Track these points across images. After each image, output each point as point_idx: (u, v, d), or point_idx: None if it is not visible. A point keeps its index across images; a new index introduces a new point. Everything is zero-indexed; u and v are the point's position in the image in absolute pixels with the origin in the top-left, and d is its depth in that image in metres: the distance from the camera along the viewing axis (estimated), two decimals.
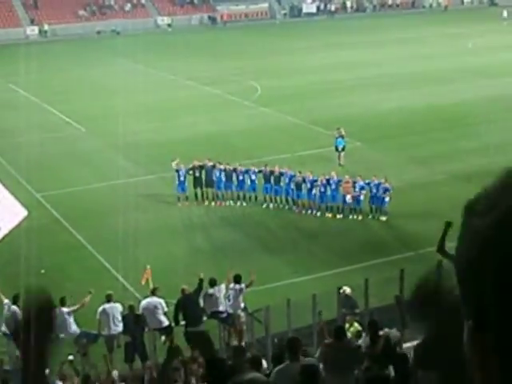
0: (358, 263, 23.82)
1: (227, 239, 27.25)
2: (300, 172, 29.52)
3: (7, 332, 19.57)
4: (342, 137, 33.97)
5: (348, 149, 34.14)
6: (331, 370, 10.91)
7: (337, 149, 33.92)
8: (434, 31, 75.69)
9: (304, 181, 29.07)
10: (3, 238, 27.08)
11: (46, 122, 43.10)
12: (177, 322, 19.53)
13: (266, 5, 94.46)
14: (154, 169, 33.39)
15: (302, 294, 19.45)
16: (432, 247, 19.81)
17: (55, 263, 23.66)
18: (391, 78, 51.68)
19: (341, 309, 19.38)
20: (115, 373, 17.14)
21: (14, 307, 19.67)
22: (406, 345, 13.30)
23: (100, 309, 19.15)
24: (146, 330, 19.38)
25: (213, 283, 20.11)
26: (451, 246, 12.05)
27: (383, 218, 28.12)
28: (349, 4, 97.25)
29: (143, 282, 20.84)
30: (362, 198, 28.45)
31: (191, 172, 30.30)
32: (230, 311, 20.04)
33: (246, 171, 29.99)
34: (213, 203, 30.29)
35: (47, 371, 3.19)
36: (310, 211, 29.20)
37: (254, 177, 29.98)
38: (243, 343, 18.90)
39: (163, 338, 19.53)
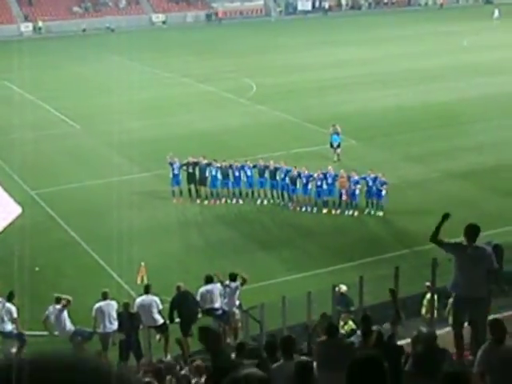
0: (353, 261, 23.83)
1: (222, 237, 27.22)
2: (295, 167, 29.53)
3: (2, 329, 19.58)
4: (338, 133, 34.06)
5: (343, 147, 34.22)
6: (324, 366, 10.94)
7: (332, 145, 34.08)
8: (430, 29, 75.72)
9: (299, 176, 29.07)
10: None
11: (40, 119, 43.04)
12: (171, 320, 19.57)
13: (261, 2, 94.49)
14: (149, 166, 33.45)
15: (296, 292, 19.50)
16: (427, 245, 20.02)
17: (50, 261, 23.67)
18: (386, 76, 51.71)
19: (336, 306, 19.43)
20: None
21: (9, 305, 19.66)
22: (399, 342, 13.34)
23: (95, 306, 19.15)
24: (141, 327, 19.43)
25: (209, 280, 20.15)
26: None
27: (380, 214, 28.16)
28: (344, 1, 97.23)
29: (139, 281, 20.87)
30: (357, 192, 28.48)
31: (185, 168, 30.37)
32: (226, 309, 20.09)
33: (242, 167, 30.02)
34: (206, 202, 30.30)
35: None
36: (305, 208, 29.22)
37: (249, 172, 30.03)
38: (238, 340, 19.01)
39: (158, 335, 19.59)
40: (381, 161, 32.30)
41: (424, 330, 15.39)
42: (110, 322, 19.22)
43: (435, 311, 18.42)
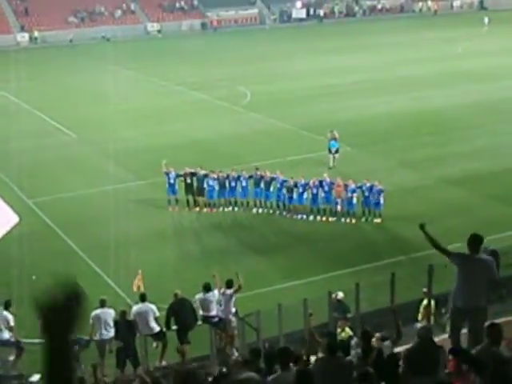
0: (349, 267, 23.76)
1: (218, 244, 27.22)
2: (292, 178, 29.51)
3: (7, 338, 19.56)
4: (336, 139, 34.21)
5: (340, 155, 34.28)
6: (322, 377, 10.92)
7: (330, 151, 34.14)
8: (424, 35, 75.96)
9: (296, 185, 29.11)
10: None
11: (36, 129, 43.05)
12: (168, 327, 19.55)
13: (255, 10, 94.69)
14: (145, 175, 33.44)
15: (293, 299, 19.49)
16: (423, 251, 20.03)
17: (47, 269, 23.55)
18: (381, 83, 51.76)
19: (332, 313, 19.41)
20: (106, 379, 17.12)
21: (6, 313, 19.65)
22: (397, 349, 13.33)
23: (93, 314, 19.10)
24: (138, 335, 19.41)
25: (207, 288, 20.14)
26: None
27: (378, 220, 28.12)
28: (338, 9, 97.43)
29: (135, 289, 20.81)
30: (354, 201, 28.50)
31: (182, 178, 30.37)
32: (222, 316, 20.07)
33: (238, 177, 30.02)
34: (205, 209, 30.28)
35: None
36: (300, 216, 29.17)
37: (244, 183, 30.02)
38: (234, 348, 18.97)
39: (155, 343, 19.56)
40: (376, 167, 32.39)
41: (419, 325, 15.47)
42: (107, 330, 19.20)
43: (432, 317, 18.44)
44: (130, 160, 35.84)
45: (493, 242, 17.88)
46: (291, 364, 10.81)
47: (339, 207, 28.67)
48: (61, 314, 2.68)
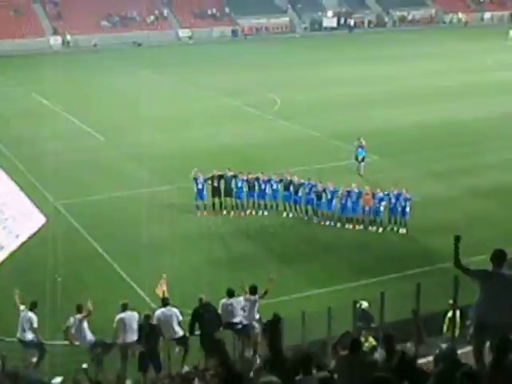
0: (375, 277, 23.54)
1: (244, 250, 27.14)
2: (321, 182, 29.55)
3: (22, 338, 19.52)
4: (362, 147, 34.33)
5: (367, 162, 34.21)
6: (345, 382, 10.82)
7: (357, 158, 34.30)
8: (454, 47, 75.89)
9: (324, 191, 29.19)
10: (21, 245, 27.16)
11: (66, 131, 43.30)
12: (192, 332, 19.46)
13: (286, 18, 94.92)
14: (173, 179, 33.40)
15: (317, 307, 19.30)
16: (449, 262, 19.70)
17: (72, 271, 23.61)
18: (409, 93, 51.74)
19: (357, 323, 19.25)
20: (128, 382, 17.06)
21: (30, 314, 19.63)
22: (420, 360, 13.17)
23: (118, 317, 19.06)
24: (161, 339, 19.34)
25: (231, 294, 20.05)
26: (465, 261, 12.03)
27: (403, 231, 27.97)
28: (369, 19, 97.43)
29: (159, 293, 20.74)
30: (382, 209, 28.43)
31: (210, 182, 30.43)
32: (245, 322, 19.95)
33: (268, 180, 30.17)
34: (232, 213, 30.32)
35: None
36: (329, 222, 29.17)
37: (275, 186, 30.16)
38: (257, 354, 18.86)
39: (177, 348, 19.47)
40: (404, 177, 32.10)
41: (444, 346, 15.20)
42: (131, 333, 19.14)
43: (457, 329, 18.24)
44: (157, 164, 35.89)
45: None
46: (314, 371, 10.71)
47: (367, 212, 28.71)
48: None
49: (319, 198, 29.42)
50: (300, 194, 29.75)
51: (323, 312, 18.49)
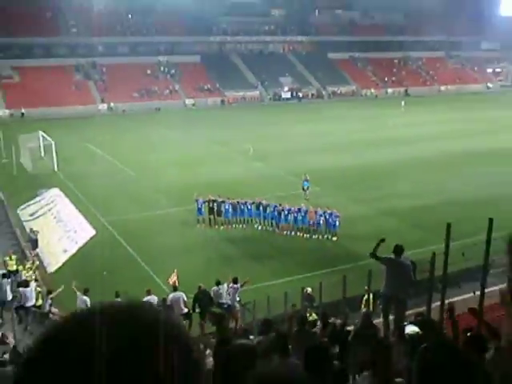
0: (316, 271, 23.68)
1: (229, 252, 27.23)
2: (280, 204, 29.81)
3: None
4: (307, 180, 34.56)
5: (311, 191, 34.36)
6: (297, 348, 10.86)
7: (303, 188, 34.42)
8: (368, 112, 76.42)
9: (283, 210, 29.32)
10: (78, 249, 27.05)
11: (109, 169, 43.13)
12: (194, 310, 19.50)
13: (257, 92, 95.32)
14: (182, 203, 33.30)
15: (277, 292, 19.36)
16: (365, 260, 19.84)
17: (113, 270, 23.50)
18: (340, 143, 51.93)
19: (304, 303, 19.30)
20: None
21: (85, 297, 19.54)
22: (348, 327, 13.19)
23: (144, 299, 19.07)
24: None
25: (218, 283, 20.14)
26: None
27: (334, 239, 28.15)
28: (312, 92, 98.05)
29: (171, 282, 20.76)
30: (321, 222, 28.61)
31: (206, 203, 30.49)
32: (230, 303, 20.00)
33: (245, 203, 30.32)
34: (222, 227, 30.21)
35: None
36: (285, 232, 29.23)
37: (250, 207, 30.29)
38: (238, 325, 18.88)
39: (184, 322, 19.47)
40: (335, 201, 32.16)
41: (364, 311, 15.34)
42: None
43: (371, 307, 18.33)
44: (171, 192, 35.88)
45: (412, 255, 17.77)
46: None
47: (312, 224, 28.79)
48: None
49: (279, 214, 29.57)
50: (267, 212, 29.88)
51: (281, 295, 18.56)
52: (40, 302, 20.63)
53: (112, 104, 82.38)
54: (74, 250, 26.95)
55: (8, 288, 20.97)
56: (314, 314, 17.89)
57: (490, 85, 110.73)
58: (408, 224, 29.33)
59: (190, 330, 19.23)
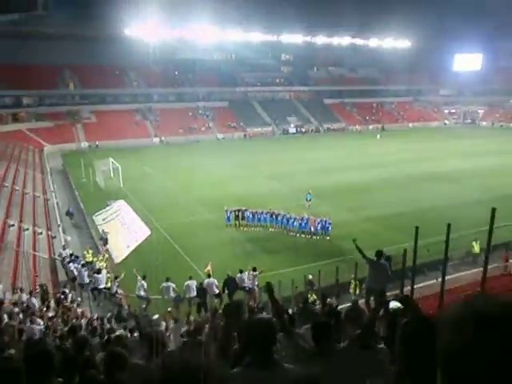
0: (315, 262, 23.43)
1: (250, 248, 27.08)
2: (288, 213, 29.59)
3: (139, 294, 19.32)
4: (310, 194, 34.32)
5: (312, 203, 34.12)
6: (301, 321, 10.70)
7: (307, 200, 34.13)
8: (353, 142, 76.01)
9: (290, 217, 29.15)
10: (138, 245, 27.12)
11: (160, 185, 43.38)
12: (223, 291, 19.39)
13: (270, 128, 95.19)
14: (215, 211, 33.32)
15: (286, 279, 19.23)
16: (352, 255, 19.61)
17: (164, 260, 23.52)
18: (332, 166, 51.64)
19: (306, 287, 19.11)
20: (191, 317, 16.95)
21: (143, 281, 19.51)
22: (340, 306, 13.01)
23: (185, 284, 19.03)
24: (208, 296, 19.21)
25: (241, 271, 20.02)
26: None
27: (328, 238, 27.88)
28: (312, 128, 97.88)
29: (206, 271, 20.69)
30: (319, 227, 28.36)
31: (233, 212, 30.44)
32: (250, 287, 19.85)
33: (261, 212, 30.11)
34: (245, 229, 30.09)
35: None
36: (292, 234, 29.01)
37: (265, 215, 30.07)
38: (257, 304, 18.78)
39: (216, 300, 19.35)
40: (330, 211, 32.01)
41: (353, 299, 15.08)
42: (192, 292, 19.02)
43: (357, 291, 18.08)
44: (207, 203, 35.91)
45: (389, 251, 17.57)
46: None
47: (312, 229, 28.50)
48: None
49: (287, 221, 29.37)
50: (278, 219, 29.68)
51: (289, 281, 18.40)
52: (109, 284, 20.72)
53: (163, 138, 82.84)
54: (134, 246, 27.05)
55: (85, 274, 21.12)
56: (314, 295, 17.70)
57: (446, 122, 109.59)
58: (383, 227, 29.00)
59: (220, 306, 19.15)
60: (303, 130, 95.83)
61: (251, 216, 30.18)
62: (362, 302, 12.91)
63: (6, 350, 8.05)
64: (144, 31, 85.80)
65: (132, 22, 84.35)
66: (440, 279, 10.54)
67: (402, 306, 7.60)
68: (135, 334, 11.97)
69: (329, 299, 14.40)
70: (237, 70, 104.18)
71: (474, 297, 0.92)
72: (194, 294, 18.82)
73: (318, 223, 28.34)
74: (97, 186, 43.10)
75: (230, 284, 19.24)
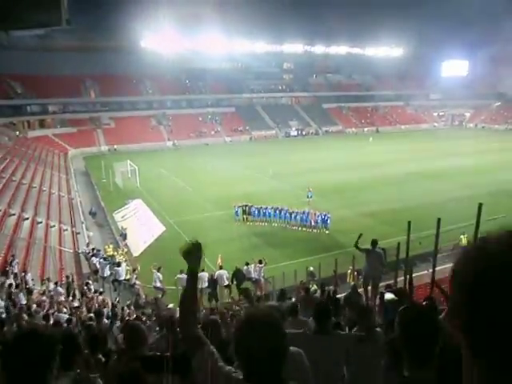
0: (316, 255, 23.35)
1: (256, 241, 27.07)
2: (290, 207, 29.60)
3: (155, 285, 19.36)
4: (310, 191, 34.19)
5: (312, 200, 34.00)
6: (303, 308, 10.71)
7: (307, 197, 33.93)
8: (350, 144, 75.59)
9: (292, 212, 29.12)
10: (153, 240, 27.18)
11: (173, 185, 43.42)
12: (232, 282, 19.39)
13: (274, 131, 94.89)
14: (223, 208, 33.32)
15: (289, 270, 19.21)
16: (349, 248, 19.56)
17: (177, 254, 23.49)
18: (331, 166, 51.31)
19: (308, 278, 19.08)
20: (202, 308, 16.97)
21: (158, 273, 19.54)
22: (339, 295, 12.98)
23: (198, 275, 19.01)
24: (218, 286, 19.22)
25: (247, 264, 20.02)
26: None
27: (327, 232, 27.82)
28: (312, 131, 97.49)
29: (218, 263, 20.68)
30: (319, 220, 28.30)
31: (241, 208, 30.47)
32: (256, 277, 19.85)
33: (266, 207, 30.09)
34: (251, 223, 30.06)
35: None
36: (295, 227, 28.94)
37: (270, 210, 30.02)
38: (263, 293, 18.73)
39: (226, 290, 19.38)
40: (330, 206, 31.89)
41: (352, 283, 14.97)
42: (204, 283, 19.02)
43: (355, 280, 18.03)
44: (217, 200, 35.93)
45: (383, 244, 17.51)
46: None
47: (313, 223, 28.42)
48: (191, 253, 2.52)
49: (290, 215, 29.34)
50: (282, 214, 29.63)
51: (292, 272, 18.39)
52: (128, 276, 20.81)
53: (175, 141, 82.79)
54: (150, 241, 27.12)
55: (107, 267, 21.22)
56: (314, 286, 17.68)
57: (435, 124, 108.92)
58: (378, 222, 28.85)
59: (230, 296, 19.17)
60: (304, 132, 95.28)
61: (257, 211, 30.17)
62: (360, 290, 12.90)
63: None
64: (158, 43, 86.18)
65: (147, 34, 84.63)
66: (431, 270, 10.49)
67: (396, 298, 7.59)
68: (152, 319, 12.04)
69: (326, 287, 14.41)
70: (243, 78, 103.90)
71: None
72: (206, 284, 18.83)
73: (318, 216, 28.28)
74: (116, 186, 43.21)
75: (238, 276, 19.23)
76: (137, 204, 35.05)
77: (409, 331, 2.37)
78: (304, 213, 28.83)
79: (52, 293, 16.18)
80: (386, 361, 3.09)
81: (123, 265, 21.08)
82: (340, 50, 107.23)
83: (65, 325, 10.08)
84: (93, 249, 23.48)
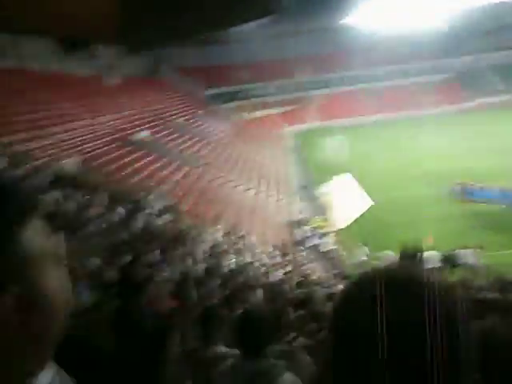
0: None
1: (473, 223, 23.51)
2: None
3: (362, 260, 19.11)
4: None
5: None
6: None
7: None
8: None
9: None
10: (359, 216, 27.14)
11: (381, 162, 41.23)
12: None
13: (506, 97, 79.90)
14: (438, 185, 30.22)
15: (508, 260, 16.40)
16: None
17: (383, 232, 22.62)
18: None
19: None
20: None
21: (366, 248, 19.23)
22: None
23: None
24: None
25: (463, 248, 17.91)
26: None
27: None
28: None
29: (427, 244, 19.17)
30: None
31: (458, 185, 27.43)
32: (472, 263, 17.68)
33: (490, 187, 26.40)
34: (471, 204, 26.41)
35: None
36: None
37: (494, 191, 26.03)
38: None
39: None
40: None
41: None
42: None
43: None
44: (433, 178, 32.94)
45: None
46: None
47: None
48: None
49: None
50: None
51: None
52: (332, 247, 21.41)
53: (385, 116, 77.72)
54: (357, 215, 27.10)
55: (314, 237, 22.35)
56: None
57: None
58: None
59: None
60: None
61: (478, 191, 26.62)
62: None
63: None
64: (364, 19, 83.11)
65: (354, 11, 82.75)
66: None
67: None
68: None
69: None
70: (461, 39, 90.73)
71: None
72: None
73: None
74: (325, 161, 44.29)
75: (450, 258, 17.56)
76: (345, 178, 35.67)
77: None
78: None
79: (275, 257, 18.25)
80: None
81: (329, 236, 21.90)
82: None
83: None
84: (302, 219, 25.25)
